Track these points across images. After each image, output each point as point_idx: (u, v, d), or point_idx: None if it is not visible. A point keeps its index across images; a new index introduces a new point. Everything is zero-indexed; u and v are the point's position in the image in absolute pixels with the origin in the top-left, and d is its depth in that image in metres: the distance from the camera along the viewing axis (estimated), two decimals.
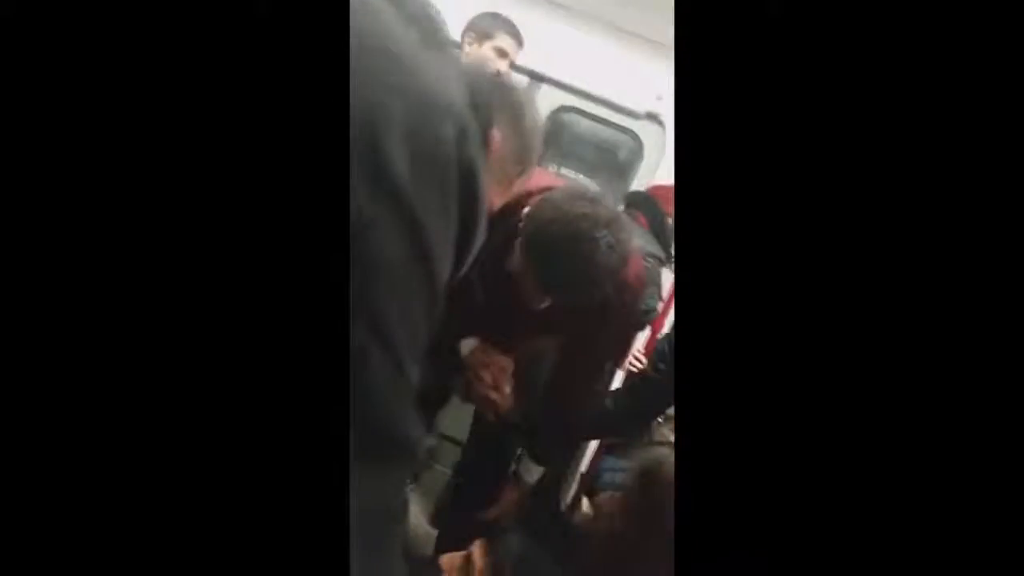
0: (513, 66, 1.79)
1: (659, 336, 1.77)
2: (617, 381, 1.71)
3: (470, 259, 0.57)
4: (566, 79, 2.18)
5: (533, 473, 1.39)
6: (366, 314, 0.46)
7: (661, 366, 1.44)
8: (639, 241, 1.33)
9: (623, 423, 1.53)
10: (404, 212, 0.48)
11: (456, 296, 0.58)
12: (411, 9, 0.56)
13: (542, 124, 0.93)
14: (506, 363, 1.27)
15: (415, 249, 0.49)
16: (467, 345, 1.28)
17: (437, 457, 1.85)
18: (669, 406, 1.53)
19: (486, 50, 1.68)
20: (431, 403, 1.46)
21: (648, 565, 0.89)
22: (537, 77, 2.18)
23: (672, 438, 1.48)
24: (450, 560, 1.01)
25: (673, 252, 1.71)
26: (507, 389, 1.27)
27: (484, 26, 1.70)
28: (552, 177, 1.30)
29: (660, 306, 1.73)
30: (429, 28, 0.56)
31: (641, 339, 1.82)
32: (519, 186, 0.94)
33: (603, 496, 1.53)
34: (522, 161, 0.89)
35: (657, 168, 2.20)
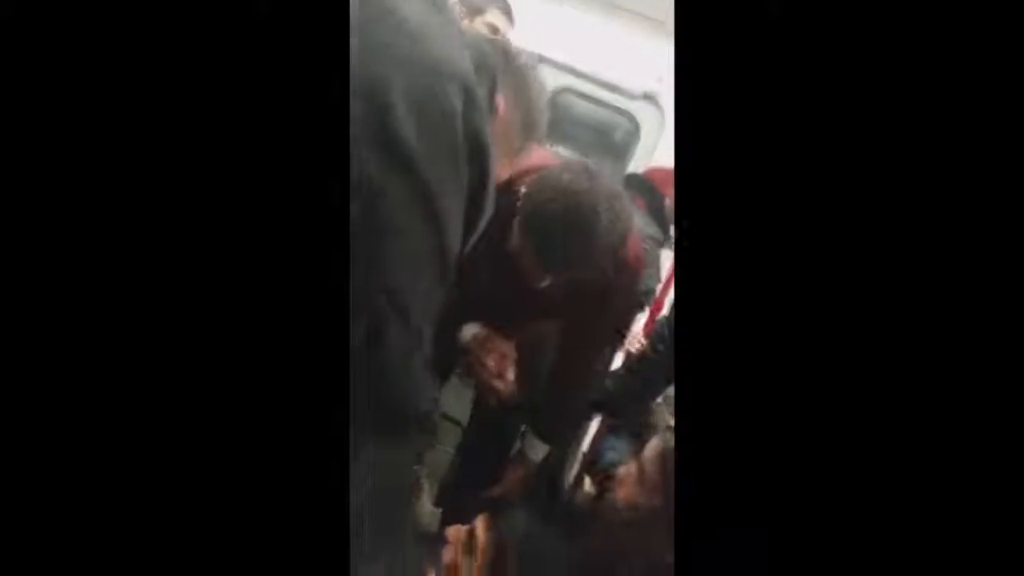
0: None
1: (658, 317, 1.78)
2: (617, 362, 1.72)
3: (477, 232, 0.57)
4: (562, 59, 2.15)
5: (538, 451, 1.38)
6: (380, 283, 0.46)
7: (660, 347, 1.46)
8: (638, 220, 1.32)
9: (623, 403, 1.54)
10: (414, 180, 0.48)
11: (458, 280, 0.58)
12: None
13: (548, 92, 0.91)
14: (508, 349, 1.26)
15: (427, 219, 0.49)
16: (469, 331, 1.27)
17: (439, 437, 1.86)
18: (668, 386, 1.54)
19: (477, 25, 1.63)
20: (436, 380, 1.47)
21: (650, 543, 0.90)
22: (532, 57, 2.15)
23: (671, 420, 1.49)
24: (456, 532, 1.01)
25: (672, 233, 1.71)
26: (510, 376, 1.26)
27: (475, 1, 1.65)
28: (549, 155, 1.29)
29: (659, 287, 1.73)
30: None
31: (640, 320, 1.82)
32: (518, 163, 0.92)
33: (605, 475, 1.54)
34: (528, 129, 0.85)
35: (655, 150, 2.18)
